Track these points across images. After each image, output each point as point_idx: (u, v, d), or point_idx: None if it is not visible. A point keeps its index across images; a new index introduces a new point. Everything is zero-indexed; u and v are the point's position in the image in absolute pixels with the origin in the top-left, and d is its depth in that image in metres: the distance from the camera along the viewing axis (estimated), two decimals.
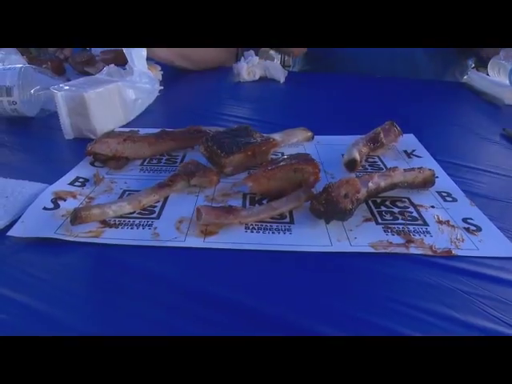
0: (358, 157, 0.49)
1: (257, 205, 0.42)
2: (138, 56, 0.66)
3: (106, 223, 0.38)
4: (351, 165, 0.48)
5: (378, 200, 0.43)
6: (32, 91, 0.61)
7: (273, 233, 0.38)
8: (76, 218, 0.36)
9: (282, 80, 0.89)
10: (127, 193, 0.44)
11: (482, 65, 0.96)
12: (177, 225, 0.38)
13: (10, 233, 0.36)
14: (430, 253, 0.35)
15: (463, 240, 0.37)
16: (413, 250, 0.35)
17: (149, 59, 0.71)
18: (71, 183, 0.45)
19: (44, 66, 0.81)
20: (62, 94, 0.54)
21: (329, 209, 0.37)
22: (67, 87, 0.56)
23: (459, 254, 0.35)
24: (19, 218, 0.38)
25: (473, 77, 0.89)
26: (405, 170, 0.44)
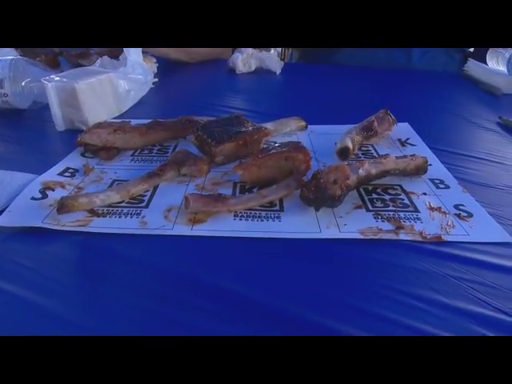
0: (350, 145, 0.48)
1: (246, 193, 0.41)
2: None
3: (93, 212, 0.38)
4: (343, 153, 0.48)
5: (370, 187, 0.42)
6: (23, 83, 0.60)
7: (262, 220, 0.37)
8: (62, 206, 0.36)
9: (278, 71, 0.88)
10: (117, 183, 0.43)
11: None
12: (165, 213, 0.38)
13: None
14: (419, 239, 0.35)
15: (454, 226, 0.36)
16: (402, 236, 0.35)
17: (144, 51, 0.71)
18: (60, 173, 0.45)
19: (38, 58, 0.81)
20: (52, 84, 0.54)
21: (318, 195, 0.37)
22: (58, 78, 0.55)
23: (449, 240, 0.35)
24: (7, 207, 0.38)
25: (471, 66, 0.88)
26: (397, 158, 0.43)
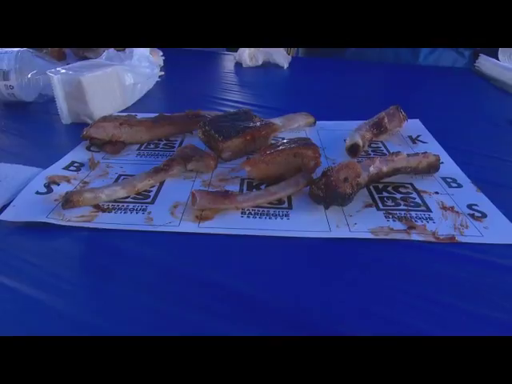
0: (360, 142, 0.47)
1: (254, 190, 0.41)
2: None
3: (99, 207, 0.37)
4: (353, 150, 0.47)
5: (380, 186, 0.41)
6: (29, 75, 0.60)
7: (270, 218, 0.36)
8: (67, 201, 0.35)
9: (286, 65, 0.87)
10: (122, 177, 0.43)
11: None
12: (171, 209, 0.37)
13: (1, 217, 0.35)
14: (432, 239, 0.34)
15: (467, 226, 0.35)
16: (414, 237, 0.34)
17: None
18: (66, 168, 0.44)
19: (44, 51, 0.80)
20: (58, 77, 0.53)
21: (328, 194, 0.36)
22: (64, 71, 0.55)
23: (463, 241, 0.34)
24: (11, 202, 0.37)
25: (482, 62, 0.86)
26: (408, 155, 0.42)
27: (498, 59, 0.84)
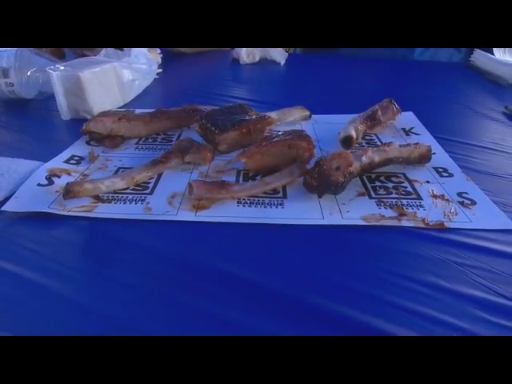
0: (353, 134, 0.48)
1: (250, 180, 0.42)
2: None
3: (99, 198, 0.38)
4: (347, 141, 0.48)
5: (373, 175, 0.42)
6: (29, 73, 0.61)
7: (265, 207, 0.37)
8: (68, 191, 0.36)
9: (282, 62, 0.88)
10: (121, 170, 0.44)
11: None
12: (169, 200, 0.38)
13: (4, 208, 0.36)
14: (422, 225, 0.35)
15: (457, 213, 0.36)
16: (405, 223, 0.35)
17: None
18: (66, 161, 0.45)
19: (44, 49, 0.81)
20: (57, 74, 0.54)
21: (321, 182, 0.37)
22: (63, 67, 0.56)
23: (451, 227, 0.35)
24: (14, 193, 0.38)
25: (477, 57, 0.87)
26: (401, 146, 0.43)
27: (493, 54, 0.85)
